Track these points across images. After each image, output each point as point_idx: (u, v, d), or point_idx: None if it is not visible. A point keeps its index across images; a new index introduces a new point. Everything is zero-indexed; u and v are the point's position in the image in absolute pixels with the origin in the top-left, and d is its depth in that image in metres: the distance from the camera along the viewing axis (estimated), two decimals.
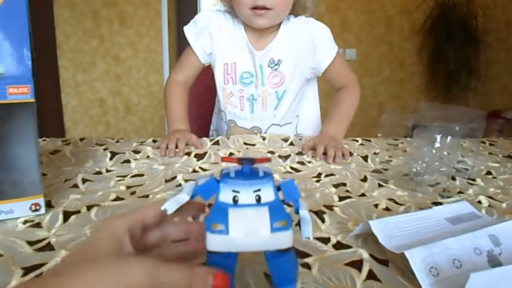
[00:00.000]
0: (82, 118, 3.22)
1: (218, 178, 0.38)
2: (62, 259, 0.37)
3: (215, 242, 0.34)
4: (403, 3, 3.33)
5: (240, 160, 0.39)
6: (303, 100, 1.17)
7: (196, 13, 3.24)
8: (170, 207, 0.37)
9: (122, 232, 0.35)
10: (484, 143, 1.06)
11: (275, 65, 1.07)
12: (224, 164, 0.76)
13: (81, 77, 3.16)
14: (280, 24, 1.08)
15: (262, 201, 0.36)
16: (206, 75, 1.19)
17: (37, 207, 0.56)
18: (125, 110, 3.27)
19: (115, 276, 0.29)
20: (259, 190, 0.36)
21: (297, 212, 0.39)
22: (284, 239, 0.35)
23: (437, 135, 0.70)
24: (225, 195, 0.36)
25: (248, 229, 0.34)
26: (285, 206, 0.37)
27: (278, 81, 1.07)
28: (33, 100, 0.53)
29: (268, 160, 0.42)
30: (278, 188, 0.38)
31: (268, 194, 0.36)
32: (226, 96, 1.10)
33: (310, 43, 1.08)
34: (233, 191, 0.36)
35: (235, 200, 0.36)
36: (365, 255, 0.48)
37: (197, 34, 1.08)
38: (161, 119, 3.29)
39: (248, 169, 0.38)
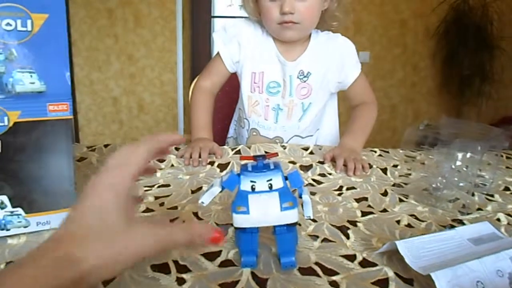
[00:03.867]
0: (96, 116, 3.26)
1: (237, 173, 0.49)
2: (68, 223, 0.37)
3: (239, 220, 0.46)
4: (418, 6, 3.32)
5: (255, 157, 0.50)
6: (324, 114, 1.18)
7: (210, 13, 3.28)
8: (206, 199, 0.49)
9: (126, 192, 0.39)
10: (502, 156, 1.06)
11: (304, 76, 1.08)
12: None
13: (96, 76, 3.19)
14: (309, 36, 1.10)
15: (273, 188, 0.47)
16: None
17: None
18: (138, 109, 3.30)
19: (131, 246, 0.36)
20: (270, 179, 0.47)
21: (300, 196, 0.50)
22: (291, 216, 0.45)
23: (458, 153, 0.72)
24: (245, 185, 0.47)
25: (263, 209, 0.45)
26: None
27: (306, 92, 1.09)
28: (71, 116, 0.55)
29: (276, 155, 0.56)
30: (286, 178, 0.49)
31: (278, 182, 0.47)
32: (251, 105, 1.12)
33: (338, 58, 1.10)
34: (251, 181, 0.47)
35: (252, 188, 0.47)
36: (390, 273, 0.50)
37: (226, 42, 1.10)
38: (174, 118, 3.31)
39: (262, 164, 0.49)
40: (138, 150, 0.42)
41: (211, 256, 0.52)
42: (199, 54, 3.38)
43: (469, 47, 3.13)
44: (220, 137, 1.35)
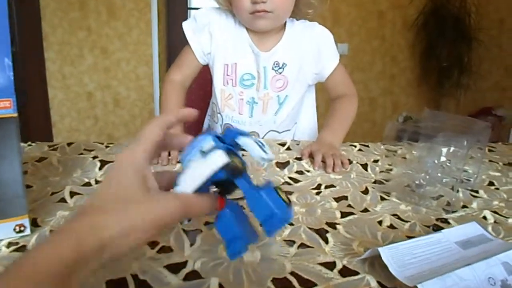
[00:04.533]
0: (70, 111, 3.15)
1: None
2: (91, 198, 0.37)
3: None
4: None
5: None
6: (302, 108, 1.13)
7: (186, 4, 3.20)
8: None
9: (143, 165, 0.39)
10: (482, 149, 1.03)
11: (280, 68, 1.03)
12: None
13: (68, 70, 3.08)
14: (285, 25, 1.04)
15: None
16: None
17: (22, 228, 0.52)
18: (114, 104, 3.20)
19: (150, 214, 0.35)
20: (202, 148, 0.41)
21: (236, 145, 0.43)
22: (216, 158, 0.39)
23: (442, 148, 0.68)
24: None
25: (191, 173, 0.40)
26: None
27: (281, 85, 1.04)
28: (15, 114, 0.49)
29: None
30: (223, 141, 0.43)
31: (209, 146, 0.41)
32: (225, 99, 1.06)
33: (315, 48, 1.04)
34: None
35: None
36: (373, 283, 0.46)
37: (196, 32, 1.03)
38: (150, 113, 3.23)
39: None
40: (149, 126, 0.42)
41: (175, 268, 0.46)
42: (175, 46, 3.29)
43: (448, 38, 3.13)
44: (195, 132, 1.29)
